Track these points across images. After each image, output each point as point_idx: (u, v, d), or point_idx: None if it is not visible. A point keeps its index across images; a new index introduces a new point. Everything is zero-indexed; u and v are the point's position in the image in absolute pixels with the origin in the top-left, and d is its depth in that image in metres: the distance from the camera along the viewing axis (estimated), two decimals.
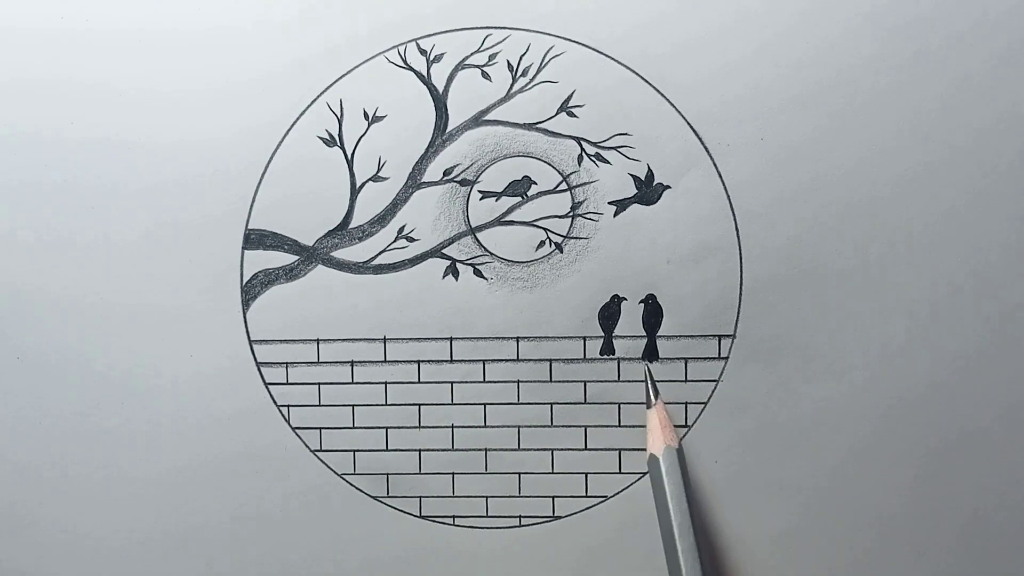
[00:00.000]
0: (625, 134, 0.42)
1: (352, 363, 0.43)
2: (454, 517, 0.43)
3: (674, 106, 0.41)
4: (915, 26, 0.41)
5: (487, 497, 0.43)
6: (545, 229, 0.42)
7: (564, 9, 0.41)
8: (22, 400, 0.43)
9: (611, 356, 0.42)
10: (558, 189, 0.42)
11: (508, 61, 0.42)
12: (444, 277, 0.42)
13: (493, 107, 0.42)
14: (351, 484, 0.43)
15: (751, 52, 0.41)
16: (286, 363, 0.43)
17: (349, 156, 0.42)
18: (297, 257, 0.42)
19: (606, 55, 0.41)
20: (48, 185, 0.42)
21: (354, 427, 0.43)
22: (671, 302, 0.42)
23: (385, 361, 0.43)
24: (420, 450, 0.43)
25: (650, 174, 0.42)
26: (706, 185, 0.42)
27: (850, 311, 0.41)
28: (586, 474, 0.43)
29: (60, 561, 0.43)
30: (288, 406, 0.43)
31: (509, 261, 0.42)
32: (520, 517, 0.43)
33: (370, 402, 0.43)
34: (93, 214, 0.42)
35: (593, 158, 0.42)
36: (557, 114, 0.42)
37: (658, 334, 0.42)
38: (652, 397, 0.42)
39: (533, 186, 0.42)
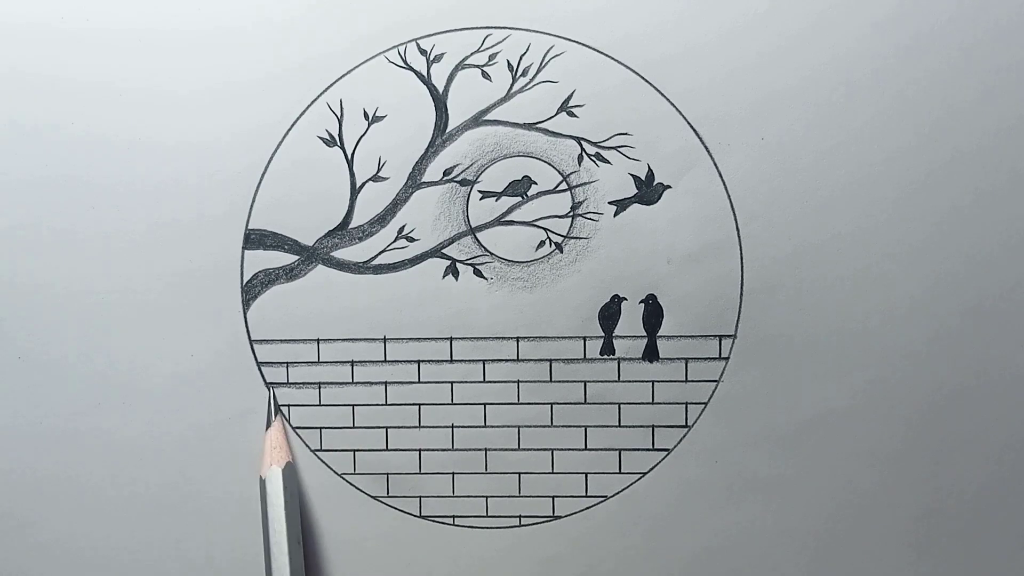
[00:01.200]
0: (625, 134, 0.42)
1: (352, 363, 0.43)
2: (454, 517, 0.43)
3: (674, 106, 0.41)
4: (915, 27, 0.41)
5: (487, 497, 0.43)
6: (545, 229, 0.42)
7: (564, 9, 0.41)
8: (22, 400, 0.43)
9: (611, 356, 0.42)
10: (558, 189, 0.42)
11: (508, 61, 0.42)
12: (444, 277, 0.42)
13: (493, 107, 0.42)
14: (351, 484, 0.43)
15: (751, 52, 0.41)
16: (286, 363, 0.43)
17: (349, 156, 0.42)
18: (297, 257, 0.42)
19: (606, 55, 0.41)
20: (48, 185, 0.42)
21: (354, 427, 0.43)
22: (671, 302, 0.42)
23: (385, 361, 0.43)
24: (420, 450, 0.43)
25: (650, 174, 0.42)
26: (706, 185, 0.42)
27: (850, 311, 0.41)
28: (586, 474, 0.43)
29: (60, 561, 0.43)
30: (288, 406, 0.43)
31: (509, 261, 0.42)
32: (520, 517, 0.43)
33: (370, 402, 0.43)
34: (93, 214, 0.42)
35: (593, 158, 0.42)
36: (557, 114, 0.42)
37: (658, 334, 0.42)
38: (271, 418, 0.42)
39: (533, 186, 0.42)
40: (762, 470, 0.42)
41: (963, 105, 0.41)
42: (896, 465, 0.42)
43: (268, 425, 0.42)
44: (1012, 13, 0.40)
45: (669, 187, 0.42)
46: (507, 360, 0.43)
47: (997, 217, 0.41)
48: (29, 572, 0.44)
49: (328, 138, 0.42)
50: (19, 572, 0.44)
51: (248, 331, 0.43)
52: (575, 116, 0.42)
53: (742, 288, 0.42)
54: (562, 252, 0.42)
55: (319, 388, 0.43)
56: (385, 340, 0.43)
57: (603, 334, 0.42)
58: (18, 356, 0.43)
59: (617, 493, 0.43)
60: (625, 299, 0.42)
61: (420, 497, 0.43)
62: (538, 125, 0.42)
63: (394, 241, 0.42)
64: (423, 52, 0.42)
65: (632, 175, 0.42)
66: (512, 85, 0.42)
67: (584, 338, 0.42)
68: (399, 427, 0.43)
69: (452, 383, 0.43)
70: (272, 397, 0.42)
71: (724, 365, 0.42)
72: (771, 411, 0.42)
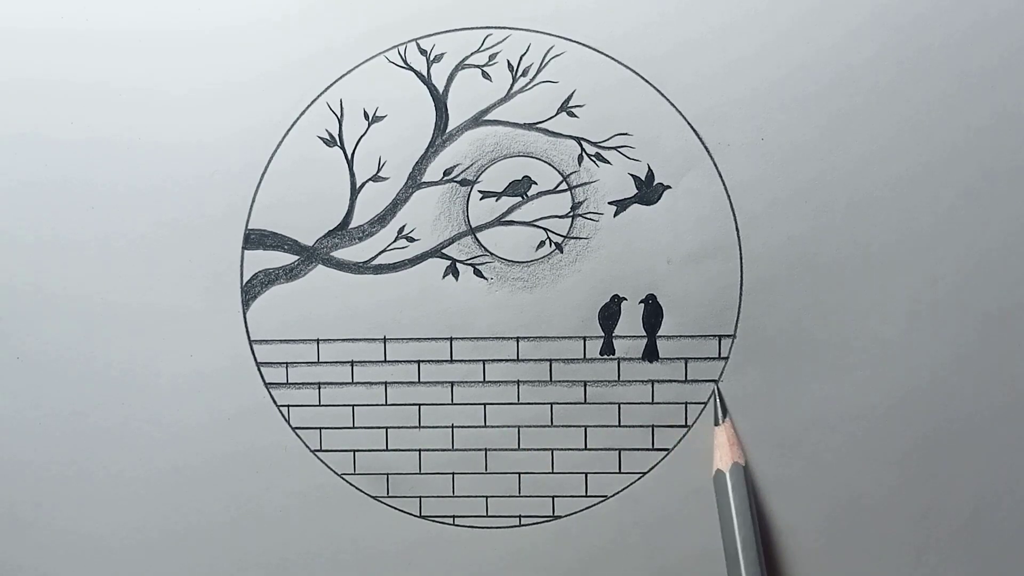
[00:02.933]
0: (625, 134, 0.42)
1: (352, 363, 0.43)
2: (454, 517, 0.43)
3: (674, 106, 0.41)
4: (915, 26, 0.41)
5: (487, 497, 0.43)
6: (545, 229, 0.42)
7: (564, 9, 0.41)
8: (22, 400, 0.43)
9: (611, 356, 0.42)
10: (558, 189, 0.42)
11: (508, 61, 0.42)
12: (444, 277, 0.42)
13: (493, 107, 0.42)
14: (351, 484, 0.43)
15: (751, 52, 0.41)
16: (286, 363, 0.43)
17: (349, 156, 0.42)
18: (297, 257, 0.42)
19: (606, 55, 0.41)
20: (48, 185, 0.42)
21: (354, 427, 0.43)
22: (671, 302, 0.42)
23: (385, 361, 0.43)
24: (420, 450, 0.43)
25: (650, 174, 0.42)
26: (706, 185, 0.42)
27: (850, 311, 0.41)
28: (586, 474, 0.43)
29: (60, 561, 0.43)
30: (288, 406, 0.43)
31: (509, 261, 0.42)
32: (520, 517, 0.43)
33: (370, 402, 0.43)
34: (93, 214, 0.42)
35: (593, 158, 0.42)
36: (557, 114, 0.42)
37: (658, 334, 0.42)
38: (720, 415, 0.42)
39: (533, 186, 0.42)
40: (762, 470, 0.42)
41: (964, 102, 0.41)
42: (896, 465, 0.42)
43: (717, 421, 0.42)
44: (1013, 8, 0.40)
45: (669, 187, 0.42)
46: (507, 360, 0.43)
47: (998, 216, 0.41)
48: (29, 571, 0.44)
49: (328, 138, 0.42)
50: (20, 571, 0.44)
51: (248, 331, 0.43)
52: (575, 116, 0.42)
53: (742, 288, 0.42)
54: (562, 252, 0.42)
55: (319, 388, 0.43)
56: (385, 340, 0.43)
57: (603, 334, 0.42)
58: (18, 356, 0.43)
59: (617, 493, 0.43)
60: (625, 299, 0.42)
61: (420, 497, 0.43)
62: (538, 125, 0.42)
63: (394, 241, 0.42)
64: (423, 52, 0.42)
65: (632, 175, 0.42)
66: (512, 85, 0.42)
67: (584, 338, 0.42)
68: (399, 427, 0.43)
69: (452, 383, 0.43)
70: (718, 393, 0.42)
71: (724, 365, 0.42)
72: (771, 411, 0.42)
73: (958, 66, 0.41)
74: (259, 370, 0.43)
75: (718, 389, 0.42)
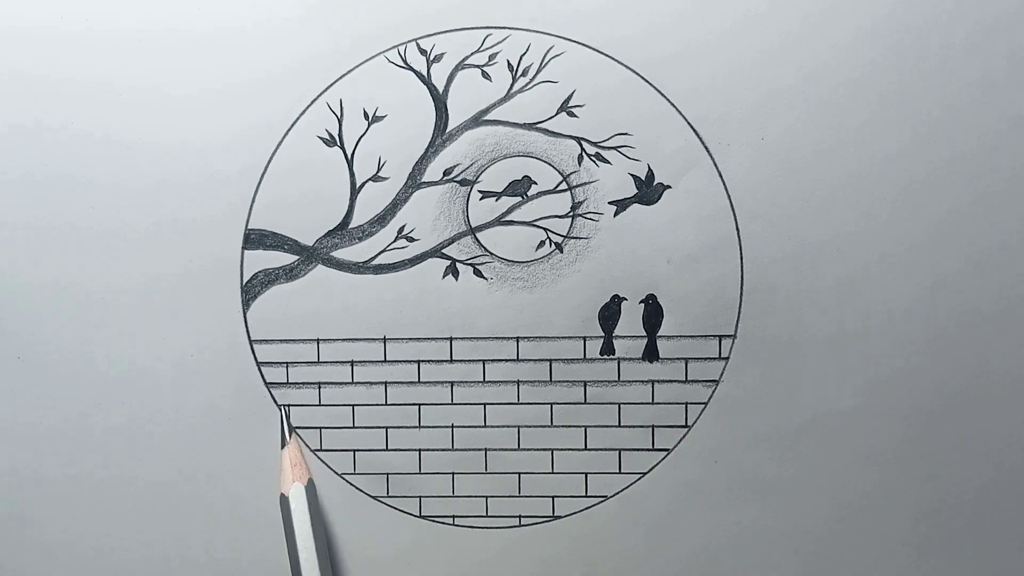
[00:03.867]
0: (625, 134, 0.42)
1: (352, 363, 0.43)
2: (454, 517, 0.43)
3: (674, 106, 0.41)
4: (917, 28, 0.41)
5: (487, 497, 0.43)
6: (545, 229, 0.42)
7: (564, 9, 0.41)
8: (22, 400, 0.43)
9: (611, 356, 0.42)
10: (558, 189, 0.42)
11: (508, 61, 0.42)
12: (444, 277, 0.42)
13: (493, 107, 0.42)
14: (351, 484, 0.43)
15: (752, 52, 0.41)
16: (286, 363, 0.43)
17: (349, 156, 0.42)
18: (297, 257, 0.42)
19: (606, 55, 0.41)
20: (48, 185, 0.42)
21: (354, 427, 0.43)
22: (671, 302, 0.42)
23: (385, 361, 0.43)
24: (420, 450, 0.43)
25: (650, 174, 0.42)
26: (706, 185, 0.42)
27: (850, 311, 0.41)
28: (586, 474, 0.43)
29: (60, 561, 0.43)
30: (288, 406, 0.43)
31: (509, 261, 0.42)
32: (520, 517, 0.43)
33: (370, 402, 0.43)
34: (93, 214, 0.42)
35: (593, 158, 0.42)
36: (557, 114, 0.42)
37: (658, 334, 0.42)
38: (287, 436, 0.42)
39: (533, 186, 0.42)
40: (762, 470, 0.42)
41: (963, 104, 0.41)
42: (896, 465, 0.42)
43: (283, 444, 0.42)
44: (1012, 10, 0.40)
45: (669, 187, 0.42)
46: (507, 360, 0.43)
47: (997, 217, 0.41)
48: (29, 572, 0.44)
49: (328, 138, 0.42)
50: (19, 572, 0.44)
51: (248, 331, 0.43)
52: (575, 116, 0.42)
53: (742, 288, 0.42)
54: (562, 252, 0.42)
55: (319, 388, 0.43)
56: (385, 340, 0.43)
57: (603, 334, 0.42)
58: (18, 356, 0.43)
59: (617, 493, 0.43)
60: (625, 299, 0.42)
61: (420, 497, 0.43)
62: (538, 125, 0.42)
63: (394, 241, 0.42)
64: (423, 52, 0.42)
65: (632, 175, 0.42)
66: (512, 85, 0.42)
67: (584, 338, 0.42)
68: (399, 427, 0.43)
69: (452, 383, 0.43)
70: (285, 416, 0.42)
71: (724, 365, 0.42)
72: (771, 411, 0.42)
73: (960, 69, 0.41)
74: (259, 370, 0.43)
75: (283, 410, 0.42)
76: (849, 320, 0.41)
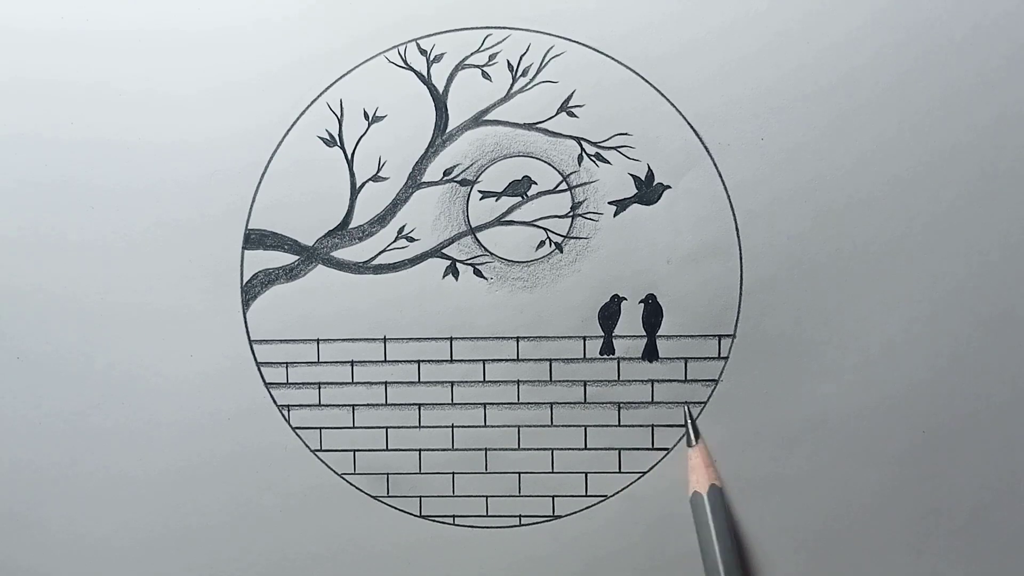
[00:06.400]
0: (625, 134, 0.42)
1: (352, 363, 0.43)
2: (454, 517, 0.43)
3: (674, 106, 0.41)
4: (915, 27, 0.41)
5: (487, 497, 0.43)
6: (545, 229, 0.42)
7: (564, 9, 0.41)
8: (22, 400, 0.43)
9: (611, 356, 0.42)
10: (558, 189, 0.42)
11: (508, 61, 0.42)
12: (444, 277, 0.42)
13: (493, 107, 0.42)
14: (351, 484, 0.43)
15: (751, 52, 0.41)
16: (286, 363, 0.43)
17: (349, 156, 0.42)
18: (297, 257, 0.42)
19: (606, 55, 0.41)
20: (48, 185, 0.42)
21: (354, 427, 0.43)
22: (671, 302, 0.42)
23: (385, 361, 0.43)
24: (420, 450, 0.43)
25: (650, 174, 0.42)
26: (706, 185, 0.42)
27: (850, 311, 0.41)
28: (586, 474, 0.43)
29: (60, 561, 0.43)
30: (288, 406, 0.43)
31: (509, 261, 0.42)
32: (520, 517, 0.43)
33: (370, 402, 0.43)
34: (93, 214, 0.42)
35: (593, 158, 0.42)
36: (557, 114, 0.42)
37: (658, 334, 0.42)
38: (693, 437, 0.42)
39: (533, 186, 0.42)
40: (762, 470, 0.42)
41: (963, 102, 0.41)
42: (896, 465, 0.42)
43: (690, 443, 0.42)
44: (1011, 8, 0.40)
45: (669, 187, 0.42)
46: (507, 360, 0.43)
47: (998, 216, 0.41)
48: (29, 571, 0.44)
49: (328, 138, 0.42)
50: (19, 571, 0.44)
51: (248, 331, 0.43)
52: (575, 116, 0.42)
53: (742, 288, 0.42)
54: (562, 252, 0.42)
55: (319, 388, 0.43)
56: (385, 340, 0.43)
57: (603, 334, 0.42)
58: (18, 356, 0.43)
59: (617, 493, 0.43)
60: (625, 299, 0.42)
61: (420, 497, 0.43)
62: (538, 125, 0.42)
63: (394, 241, 0.42)
64: (423, 52, 0.42)
65: (632, 175, 0.42)
66: (512, 85, 0.42)
67: (584, 338, 0.42)
68: (399, 427, 0.43)
69: (452, 383, 0.43)
70: (689, 416, 0.42)
71: (724, 365, 0.42)
72: (771, 411, 0.42)
73: (958, 66, 0.41)
74: (259, 370, 0.43)
75: (688, 411, 0.42)
76: (848, 320, 0.41)
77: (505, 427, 0.43)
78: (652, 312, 0.42)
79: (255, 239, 0.42)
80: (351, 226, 0.42)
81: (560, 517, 0.43)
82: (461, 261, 0.42)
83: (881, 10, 0.41)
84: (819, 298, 0.41)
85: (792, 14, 0.41)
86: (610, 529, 0.43)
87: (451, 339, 0.43)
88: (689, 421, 0.42)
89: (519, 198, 0.42)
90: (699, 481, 0.41)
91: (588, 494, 0.43)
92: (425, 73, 0.42)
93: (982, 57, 0.40)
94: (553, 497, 0.43)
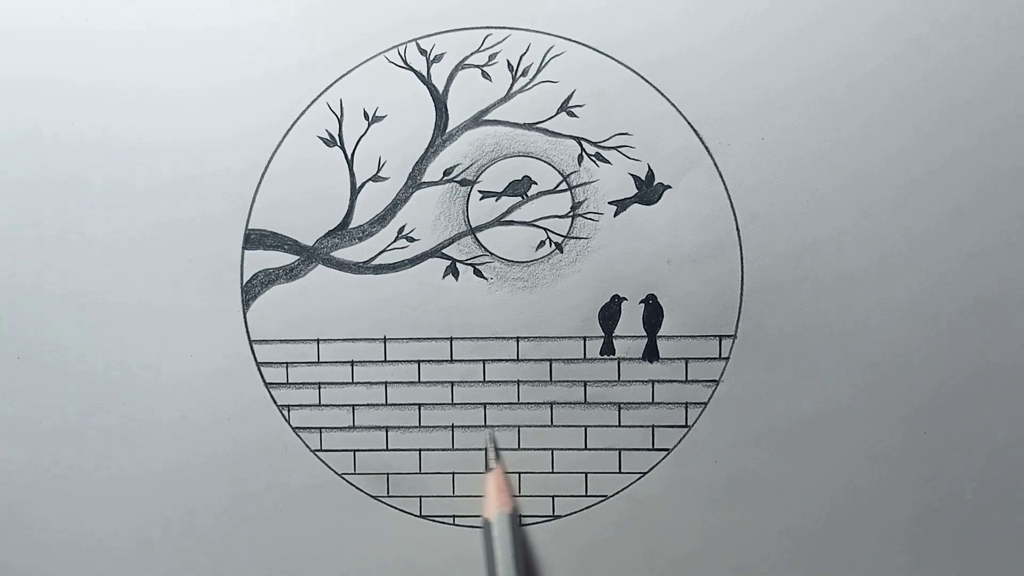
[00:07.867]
0: (625, 134, 0.42)
1: (352, 363, 0.43)
2: (454, 517, 0.43)
3: (675, 106, 0.41)
4: (916, 28, 0.41)
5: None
6: (545, 229, 0.42)
7: (564, 9, 0.41)
8: (22, 400, 0.43)
9: (611, 356, 0.42)
10: (558, 189, 0.42)
11: (508, 61, 0.42)
12: (444, 277, 0.42)
13: (493, 107, 0.42)
14: (351, 484, 0.43)
15: (752, 52, 0.41)
16: (286, 363, 0.43)
17: (349, 156, 0.42)
18: (297, 257, 0.42)
19: (606, 55, 0.41)
20: (48, 185, 0.42)
21: (354, 427, 0.43)
22: (671, 302, 0.42)
23: (385, 361, 0.43)
24: (420, 450, 0.43)
25: (650, 174, 0.42)
26: (707, 185, 0.42)
27: (850, 311, 0.41)
28: (586, 474, 0.43)
29: (60, 561, 0.43)
30: (288, 406, 0.43)
31: (509, 261, 0.42)
32: (520, 517, 0.43)
33: (370, 402, 0.43)
34: (93, 214, 0.42)
35: (593, 158, 0.42)
36: (557, 114, 0.42)
37: (658, 334, 0.42)
38: (493, 461, 0.42)
39: (533, 186, 0.42)
40: (762, 470, 0.42)
41: (963, 104, 0.41)
42: (896, 464, 0.42)
43: (487, 467, 0.42)
44: (1013, 11, 0.40)
45: (669, 187, 0.42)
46: (507, 360, 0.43)
47: (997, 216, 0.41)
48: (29, 571, 0.44)
49: (328, 138, 0.42)
50: (19, 571, 0.44)
51: (248, 331, 0.43)
52: (575, 116, 0.42)
53: (742, 288, 0.42)
54: (562, 252, 0.42)
55: (319, 388, 0.43)
56: (385, 340, 0.43)
57: (603, 334, 0.42)
58: (18, 356, 0.43)
59: (617, 493, 0.43)
60: (625, 299, 0.42)
61: (420, 497, 0.43)
62: (538, 125, 0.42)
63: (394, 241, 0.42)
64: (423, 52, 0.42)
65: (632, 175, 0.42)
66: (512, 85, 0.42)
67: (584, 338, 0.42)
68: (399, 427, 0.43)
69: (452, 383, 0.43)
70: (492, 438, 0.42)
71: (724, 365, 0.42)
72: (771, 411, 0.42)
73: (960, 68, 0.41)
74: (259, 370, 0.43)
75: (491, 434, 0.42)
76: (849, 320, 0.41)
77: (505, 427, 0.43)
78: (652, 312, 0.42)
79: (255, 239, 0.42)
80: (351, 226, 0.42)
81: (560, 517, 0.43)
82: (461, 261, 0.42)
83: (881, 11, 0.41)
84: (819, 298, 0.41)
85: (793, 15, 0.41)
86: (610, 529, 0.43)
87: (451, 339, 0.43)
88: (492, 444, 0.42)
89: (519, 198, 0.42)
90: (489, 508, 0.41)
91: (588, 494, 0.43)
92: (425, 73, 0.42)
93: (984, 58, 0.40)
94: (553, 497, 0.43)
